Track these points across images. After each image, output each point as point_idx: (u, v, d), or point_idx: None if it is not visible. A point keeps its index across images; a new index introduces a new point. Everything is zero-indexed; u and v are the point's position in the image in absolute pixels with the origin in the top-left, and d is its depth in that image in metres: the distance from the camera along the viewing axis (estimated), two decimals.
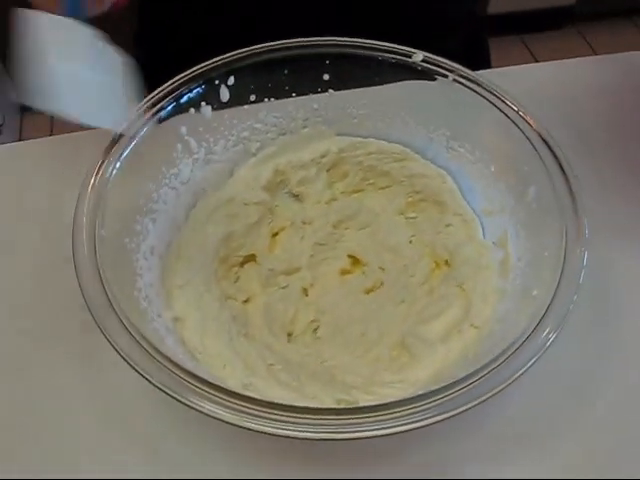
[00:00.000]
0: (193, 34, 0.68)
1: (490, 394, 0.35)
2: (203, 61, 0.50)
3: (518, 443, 0.43)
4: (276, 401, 0.35)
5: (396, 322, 0.47)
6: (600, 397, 0.45)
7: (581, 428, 0.44)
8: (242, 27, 0.59)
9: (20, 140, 1.70)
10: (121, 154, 0.45)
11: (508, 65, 0.67)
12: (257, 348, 0.44)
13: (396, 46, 0.51)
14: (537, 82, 0.65)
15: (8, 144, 0.65)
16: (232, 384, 0.40)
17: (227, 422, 0.34)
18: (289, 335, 0.47)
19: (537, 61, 1.91)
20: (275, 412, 0.34)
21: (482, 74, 0.50)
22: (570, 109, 0.63)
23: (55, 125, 1.83)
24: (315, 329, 0.48)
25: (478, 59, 0.77)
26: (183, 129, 0.50)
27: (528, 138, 0.47)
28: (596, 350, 0.47)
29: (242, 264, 0.51)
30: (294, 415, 0.34)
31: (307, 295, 0.50)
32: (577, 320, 0.39)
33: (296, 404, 0.35)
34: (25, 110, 1.86)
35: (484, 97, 0.49)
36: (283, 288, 0.49)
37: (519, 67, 0.68)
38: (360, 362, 0.45)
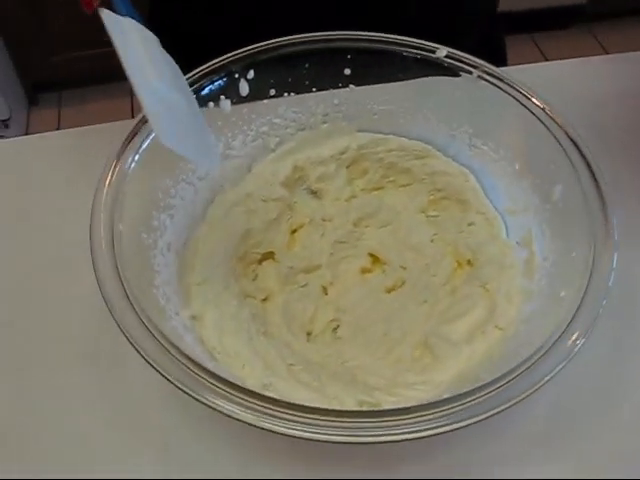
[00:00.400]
0: (193, 34, 0.67)
1: (517, 399, 0.34)
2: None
3: (545, 444, 0.42)
4: (297, 402, 0.34)
5: (418, 322, 0.46)
6: (627, 399, 0.44)
7: (608, 430, 0.43)
8: (242, 27, 0.58)
9: (27, 134, 1.70)
10: (139, 147, 0.44)
11: (518, 64, 0.66)
12: (277, 347, 0.43)
13: (419, 41, 0.50)
14: (551, 80, 0.64)
15: (15, 138, 0.64)
16: (251, 384, 0.40)
17: (246, 422, 0.33)
18: (308, 334, 0.47)
19: (547, 60, 1.90)
20: (296, 413, 0.33)
21: (505, 71, 0.50)
22: (589, 108, 0.62)
23: (62, 119, 1.83)
24: (335, 328, 0.47)
25: (494, 57, 0.76)
26: None
27: (554, 136, 0.46)
28: (623, 352, 0.46)
29: (260, 261, 0.50)
30: (316, 417, 0.33)
31: (327, 294, 0.49)
32: (603, 322, 0.38)
33: (317, 405, 0.34)
34: (32, 104, 1.86)
35: (509, 94, 0.48)
36: (302, 286, 0.48)
37: (533, 65, 0.67)
38: (382, 363, 0.44)
